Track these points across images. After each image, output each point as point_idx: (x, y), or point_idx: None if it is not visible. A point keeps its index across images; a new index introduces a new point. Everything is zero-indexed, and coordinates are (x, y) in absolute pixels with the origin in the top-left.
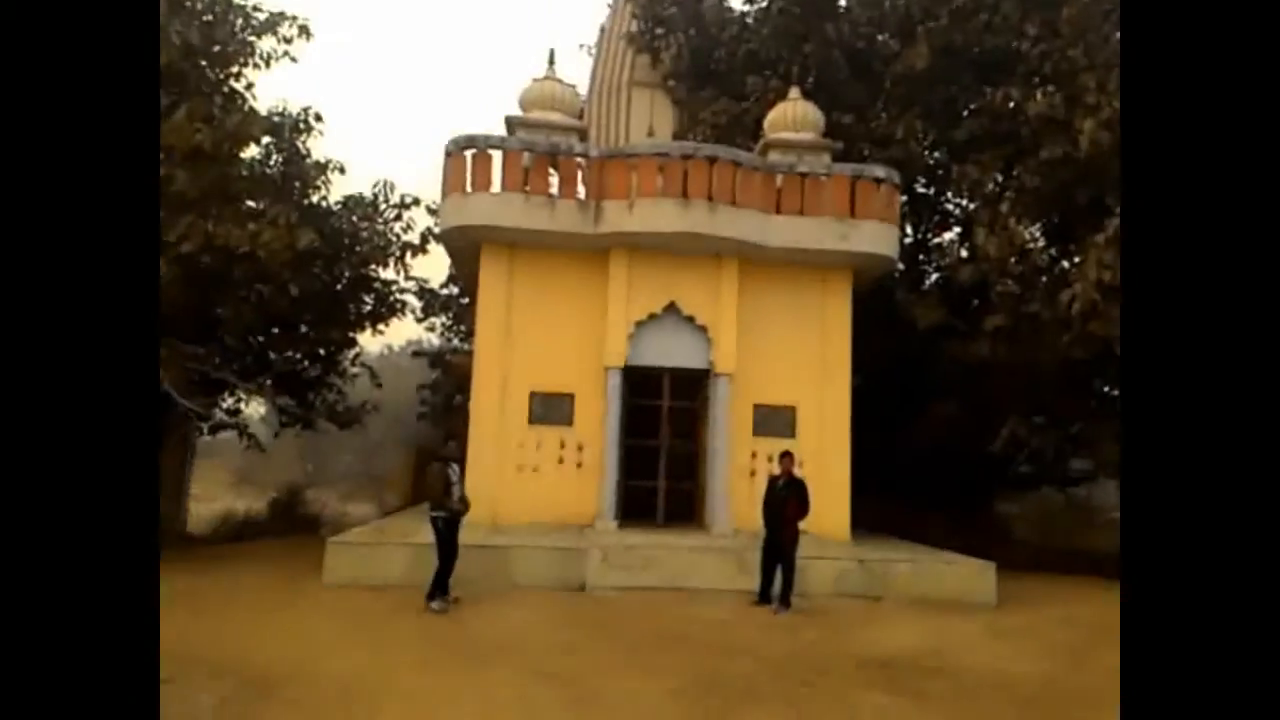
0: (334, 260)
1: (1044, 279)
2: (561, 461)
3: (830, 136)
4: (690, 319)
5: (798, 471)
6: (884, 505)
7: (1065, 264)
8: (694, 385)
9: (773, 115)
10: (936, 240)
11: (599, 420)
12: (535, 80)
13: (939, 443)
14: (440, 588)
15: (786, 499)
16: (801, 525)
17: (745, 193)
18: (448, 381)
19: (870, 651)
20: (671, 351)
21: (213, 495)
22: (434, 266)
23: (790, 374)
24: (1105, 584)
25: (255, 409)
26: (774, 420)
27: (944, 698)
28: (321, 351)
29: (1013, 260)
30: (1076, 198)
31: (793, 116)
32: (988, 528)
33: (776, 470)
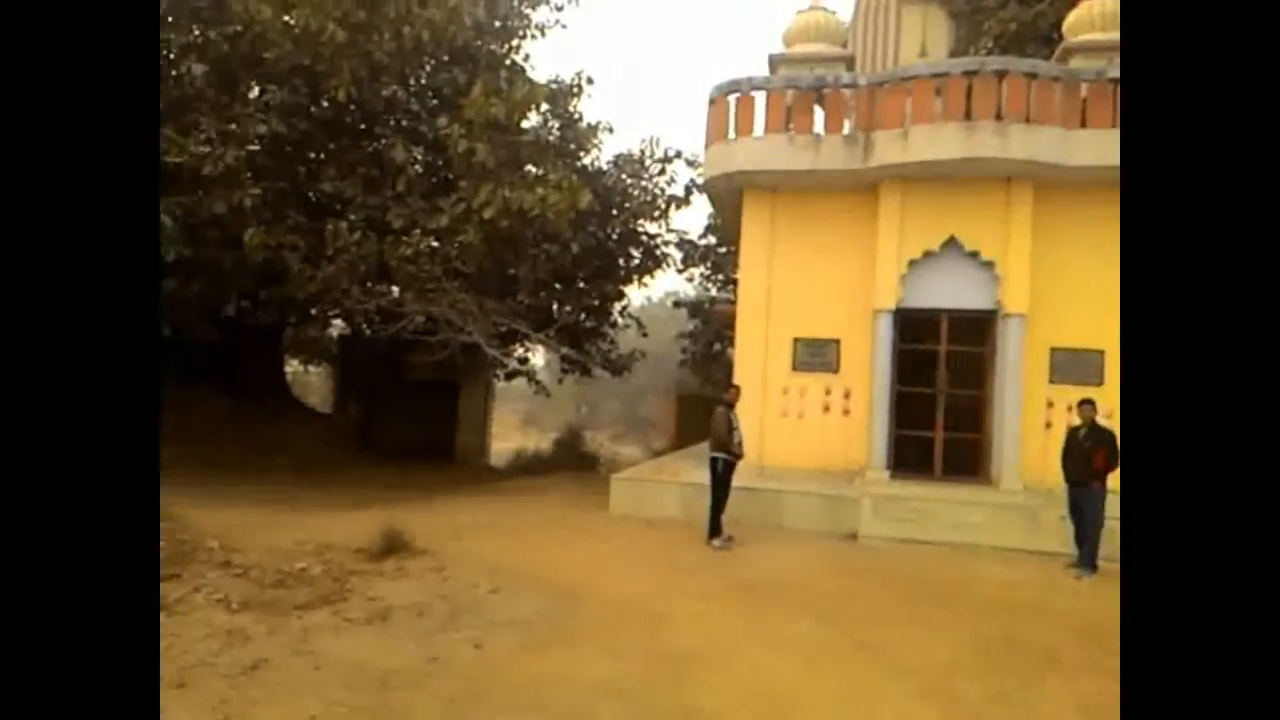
0: (606, 217)
1: None
2: (827, 409)
3: None
4: (974, 254)
5: (1102, 421)
6: None
7: None
8: (977, 328)
9: (1074, 16)
10: None
11: (867, 366)
12: (799, 13)
13: None
14: (717, 526)
15: (1091, 450)
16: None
17: (1042, 107)
18: (707, 330)
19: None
20: (951, 291)
21: (504, 435)
22: (691, 218)
23: (1095, 312)
24: None
25: (540, 358)
26: (1075, 365)
27: None
28: (596, 303)
29: None
30: None
31: (1099, 13)
32: None
33: (1076, 420)
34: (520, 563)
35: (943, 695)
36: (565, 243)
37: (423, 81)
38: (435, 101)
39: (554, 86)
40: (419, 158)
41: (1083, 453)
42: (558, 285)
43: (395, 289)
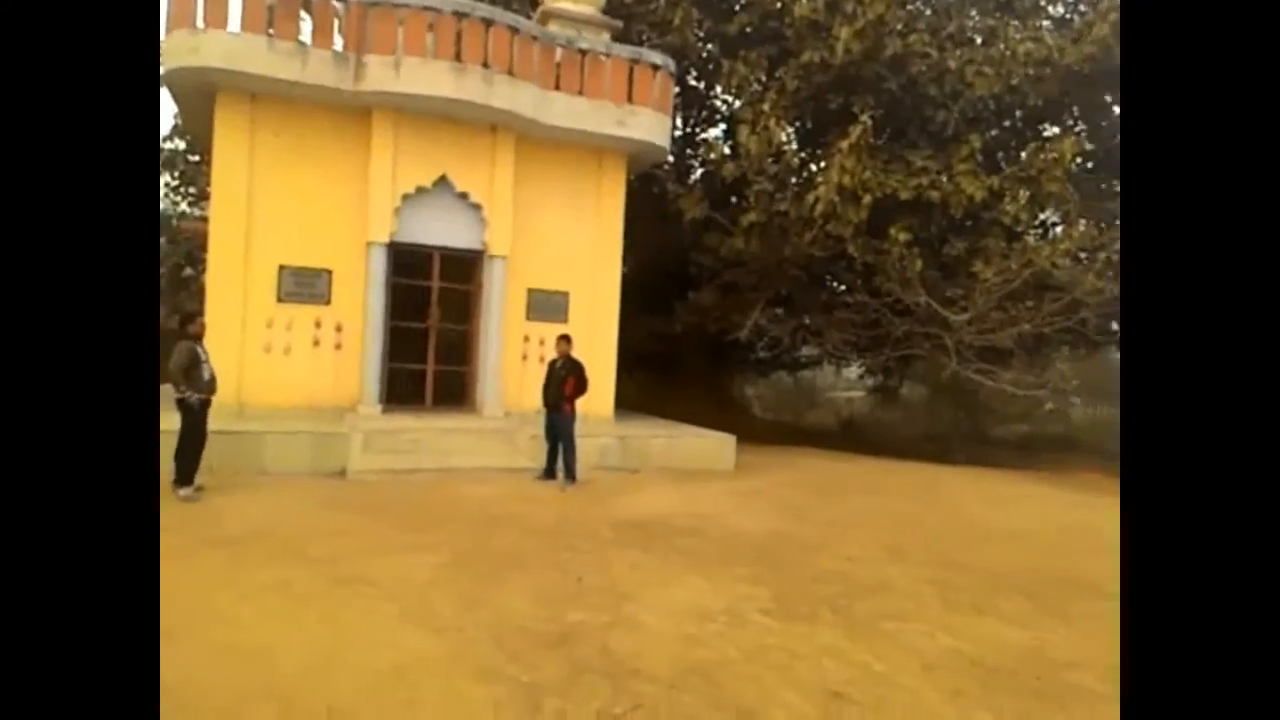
0: None
1: (795, 180)
2: (317, 343)
3: (609, 14)
4: (464, 195)
5: (574, 354)
6: (644, 386)
7: (814, 167)
8: (466, 267)
9: None
10: (704, 135)
11: (360, 299)
12: None
13: (696, 329)
14: (186, 474)
15: (564, 379)
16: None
17: (523, 64)
18: (175, 251)
19: (627, 516)
20: (443, 229)
21: None
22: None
23: (564, 259)
24: (823, 453)
25: None
26: (547, 305)
27: (689, 550)
28: None
29: (769, 160)
30: (829, 103)
31: None
32: (731, 406)
33: (554, 354)
34: None
35: (420, 614)
36: None
37: None
38: None
39: None
40: None
41: (559, 381)
42: None
43: None
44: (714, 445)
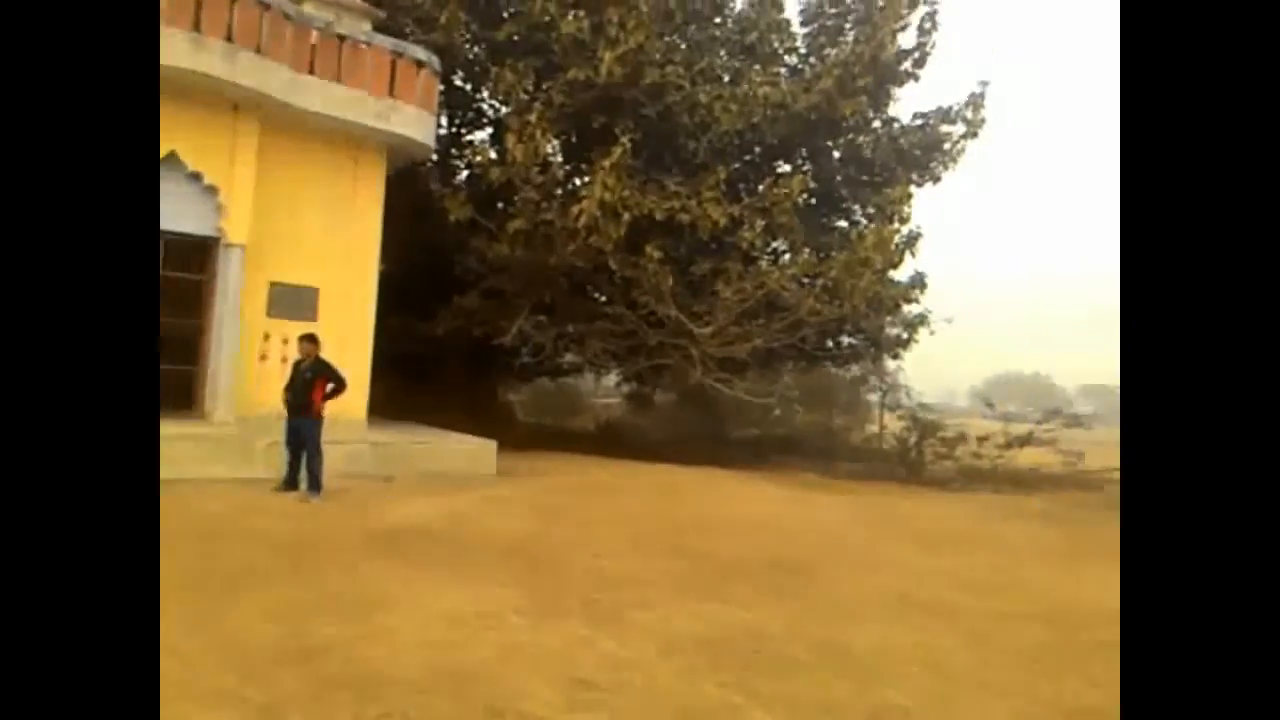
0: None
1: (560, 191)
2: None
3: (372, 2)
4: (197, 176)
5: (322, 355)
6: (405, 390)
7: (578, 181)
8: (197, 254)
9: None
10: (470, 137)
11: None
12: None
13: (460, 333)
14: None
15: (312, 382)
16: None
17: (274, 43)
18: None
19: (379, 525)
20: (170, 212)
21: None
22: None
23: (315, 252)
24: (581, 457)
25: None
26: (293, 301)
27: (445, 557)
28: None
29: (536, 169)
30: (593, 121)
31: None
32: (494, 411)
33: (298, 354)
34: None
35: None
36: None
37: None
38: None
39: None
40: None
41: (305, 384)
42: None
43: None
44: (474, 451)
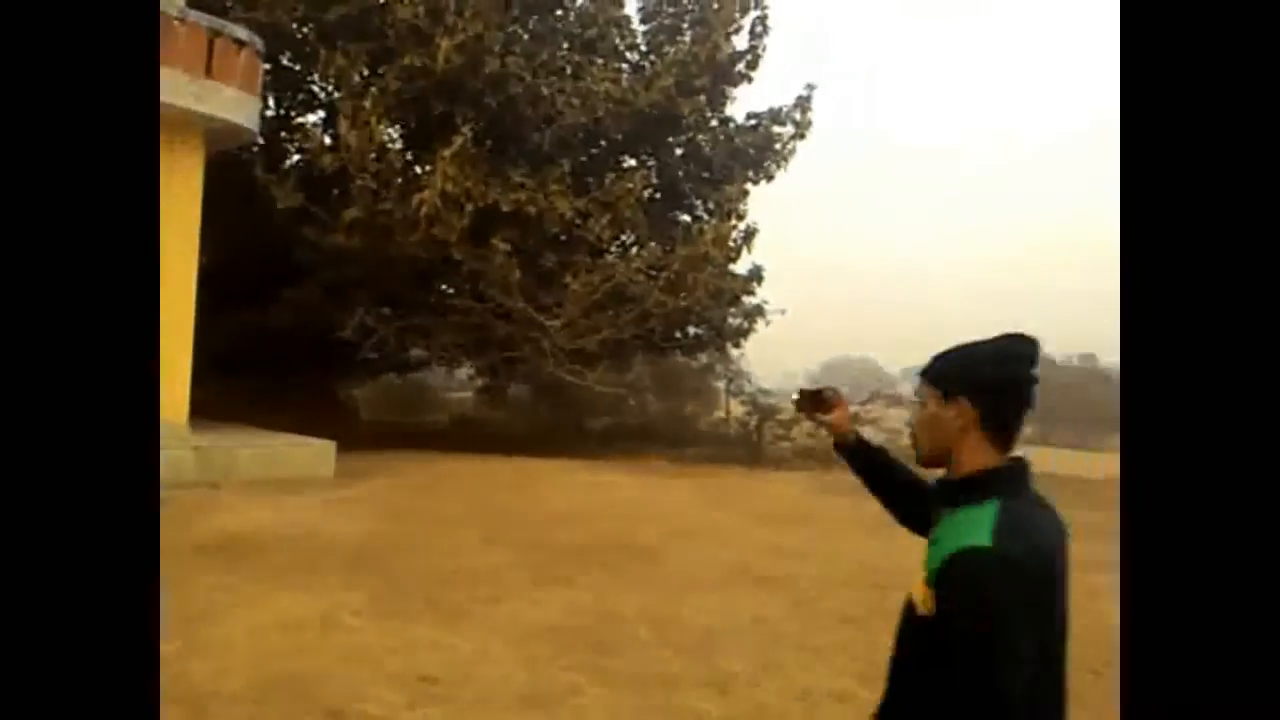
0: None
1: (399, 180)
2: None
3: None
4: None
5: None
6: (235, 390)
7: (419, 169)
8: None
9: None
10: (300, 121)
11: None
12: None
13: (293, 327)
14: None
15: None
16: None
17: None
18: None
19: (207, 536)
20: None
21: None
22: None
23: None
24: (431, 454)
25: None
26: None
27: (281, 564)
28: None
29: (373, 157)
30: (432, 109)
31: None
32: (334, 409)
33: None
34: None
35: None
36: None
37: None
38: None
39: None
40: None
41: None
42: None
43: None
44: (311, 453)
